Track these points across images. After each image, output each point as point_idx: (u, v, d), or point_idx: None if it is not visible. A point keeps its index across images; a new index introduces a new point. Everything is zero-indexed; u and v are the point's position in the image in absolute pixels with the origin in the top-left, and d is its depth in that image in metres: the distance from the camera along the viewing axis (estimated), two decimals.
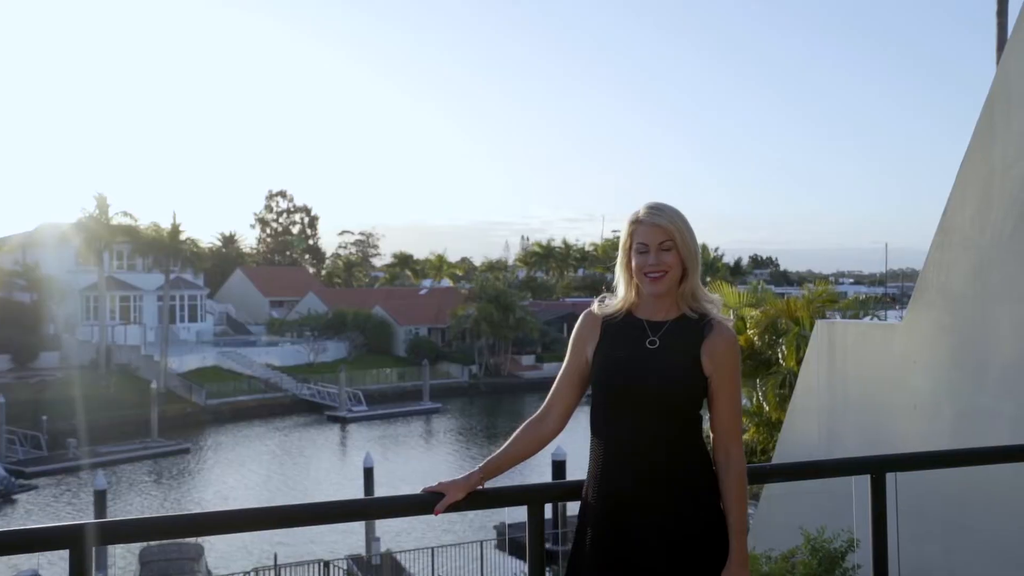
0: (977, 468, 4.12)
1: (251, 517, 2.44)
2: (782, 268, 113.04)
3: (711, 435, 2.54)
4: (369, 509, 2.58)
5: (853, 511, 4.89)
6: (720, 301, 2.61)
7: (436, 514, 2.51)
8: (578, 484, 2.61)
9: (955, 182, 5.91)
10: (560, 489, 2.68)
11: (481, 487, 2.56)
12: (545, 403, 2.66)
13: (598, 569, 2.48)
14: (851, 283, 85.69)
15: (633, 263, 2.52)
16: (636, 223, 2.53)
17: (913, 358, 6.18)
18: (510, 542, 21.97)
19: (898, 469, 3.08)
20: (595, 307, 2.63)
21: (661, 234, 2.48)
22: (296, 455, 38.60)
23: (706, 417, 2.57)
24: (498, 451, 2.62)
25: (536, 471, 21.78)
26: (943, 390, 5.93)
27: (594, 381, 2.54)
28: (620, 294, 2.59)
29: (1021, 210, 5.41)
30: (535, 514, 2.66)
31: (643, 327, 2.53)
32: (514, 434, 2.64)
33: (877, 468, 3.08)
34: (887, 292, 66.92)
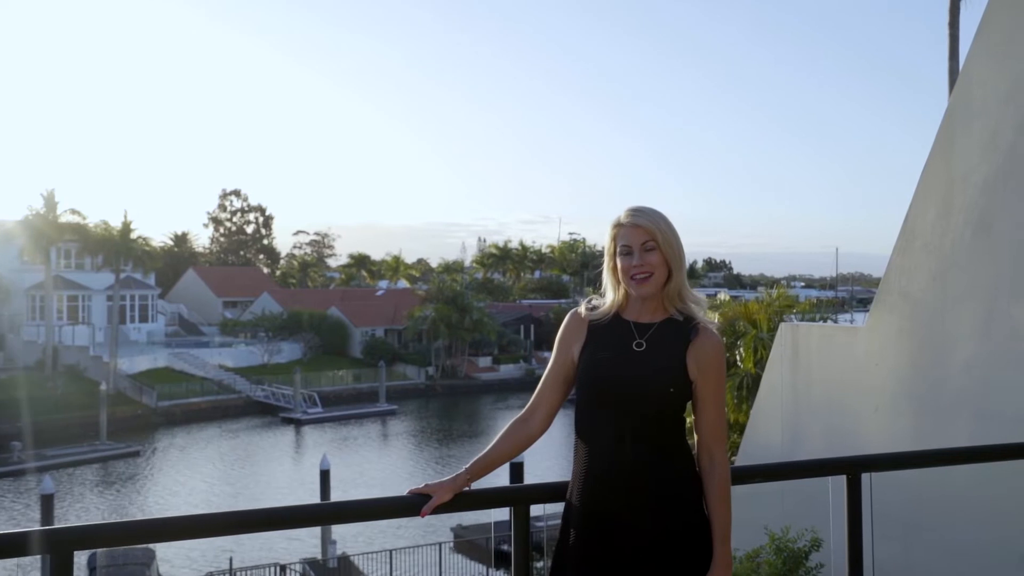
0: (934, 468, 4.22)
1: (233, 520, 2.40)
2: (735, 272, 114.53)
3: (695, 438, 2.56)
4: (355, 511, 2.55)
5: (828, 510, 4.96)
6: (705, 301, 2.63)
7: (423, 516, 2.50)
8: (563, 485, 2.61)
9: (916, 189, 6.04)
10: (546, 490, 2.67)
11: (468, 488, 2.55)
12: (530, 403, 2.65)
13: (582, 571, 2.48)
14: (802, 287, 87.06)
15: (618, 266, 2.52)
16: (618, 226, 2.55)
17: (875, 360, 6.29)
18: (467, 544, 21.95)
19: (874, 469, 3.13)
20: (582, 308, 2.63)
21: (643, 234, 2.49)
22: (250, 457, 38.10)
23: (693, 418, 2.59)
24: (484, 452, 2.61)
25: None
26: (904, 392, 6.05)
27: (579, 382, 2.54)
28: (608, 298, 2.60)
29: (980, 216, 5.55)
30: (520, 515, 2.66)
31: (630, 329, 2.53)
32: (499, 434, 2.64)
33: (853, 468, 3.13)
34: (837, 295, 68.14)
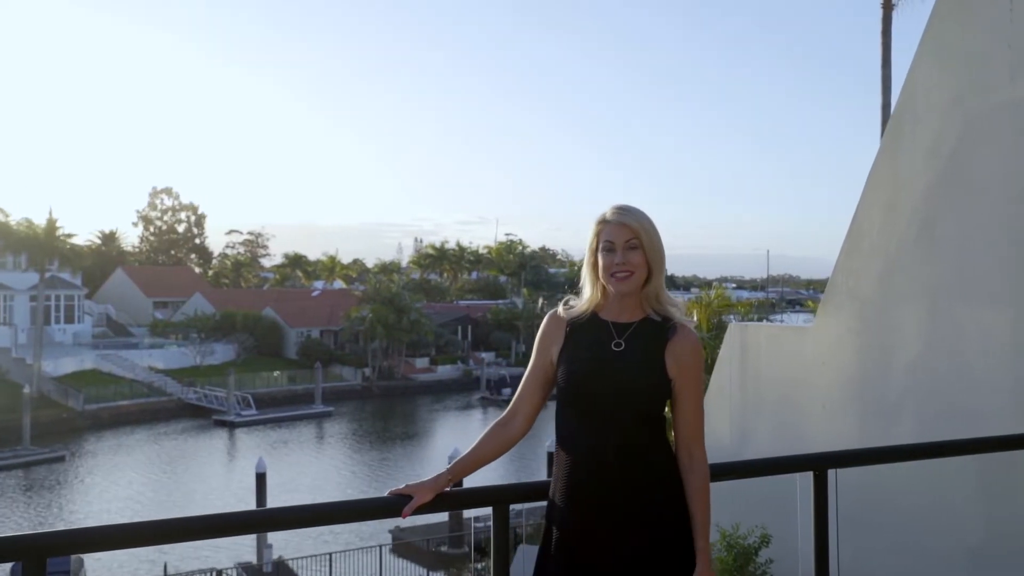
0: (879, 465, 4.33)
1: (209, 524, 2.32)
2: (670, 273, 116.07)
3: (674, 437, 2.58)
4: (332, 514, 2.49)
5: (776, 507, 5.06)
6: (684, 305, 2.64)
7: (404, 516, 2.47)
8: (544, 484, 2.61)
9: (863, 192, 6.19)
10: (526, 489, 2.66)
11: (448, 489, 2.52)
12: (511, 405, 2.64)
13: (565, 570, 2.47)
14: (734, 288, 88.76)
15: (600, 262, 2.52)
16: (603, 223, 2.54)
17: (822, 359, 6.43)
18: (405, 546, 21.81)
19: (840, 466, 3.19)
20: (560, 309, 2.62)
21: (627, 232, 2.50)
22: (181, 461, 37.26)
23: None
24: (465, 453, 2.59)
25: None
26: (850, 390, 6.20)
27: (559, 383, 2.54)
28: (586, 295, 2.59)
29: (925, 218, 5.71)
30: (500, 514, 2.65)
31: (608, 329, 2.53)
32: (480, 436, 2.62)
33: (820, 465, 3.19)
34: (768, 296, 69.62)
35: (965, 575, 5.12)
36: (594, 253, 2.55)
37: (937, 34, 5.74)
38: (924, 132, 5.77)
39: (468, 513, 20.65)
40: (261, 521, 2.41)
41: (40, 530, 2.02)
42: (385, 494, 2.49)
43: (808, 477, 3.17)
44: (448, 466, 2.56)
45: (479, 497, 2.70)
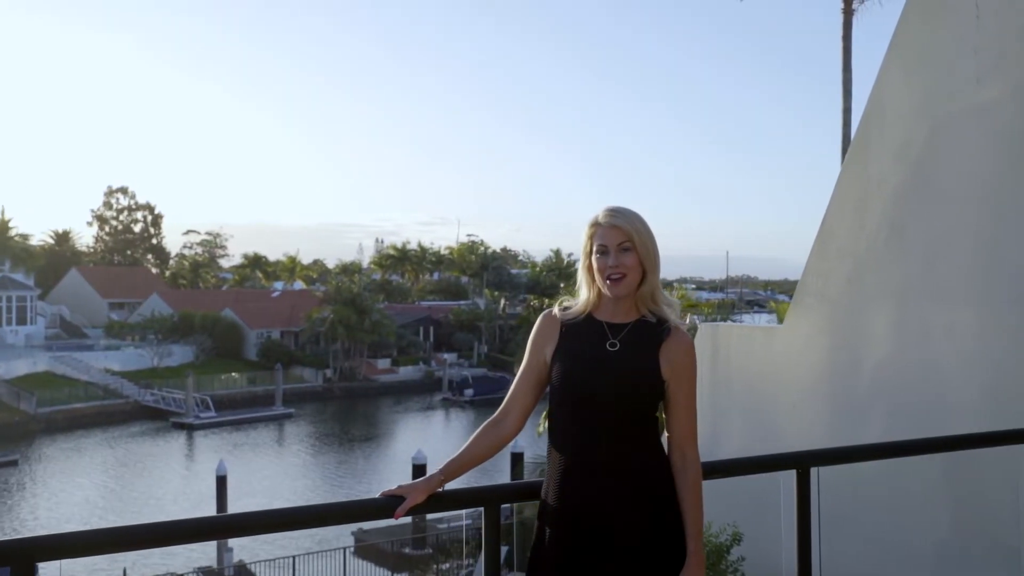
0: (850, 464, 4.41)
1: (203, 526, 2.29)
2: None
3: (667, 438, 2.59)
4: (325, 515, 2.47)
5: (747, 506, 5.12)
6: (679, 304, 2.66)
7: (396, 517, 2.46)
8: (535, 484, 2.61)
9: (832, 195, 6.29)
10: (517, 490, 2.66)
11: (441, 489, 2.52)
12: (503, 405, 2.64)
13: (558, 570, 2.48)
14: (694, 288, 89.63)
15: (594, 265, 2.53)
16: (596, 226, 2.55)
17: (792, 359, 6.52)
18: (368, 548, 21.68)
19: (824, 463, 3.24)
20: (555, 310, 2.63)
21: (620, 235, 2.51)
22: (139, 464, 36.66)
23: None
24: (457, 453, 2.58)
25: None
26: (820, 390, 6.29)
27: (553, 382, 2.54)
28: (583, 296, 2.61)
29: (893, 221, 5.82)
30: (492, 515, 2.64)
31: (603, 329, 2.55)
32: (472, 436, 2.61)
33: (803, 463, 3.23)
34: (728, 296, 70.37)
35: (932, 569, 5.22)
36: (588, 256, 2.56)
37: (905, 40, 5.84)
38: (892, 136, 5.87)
39: (431, 517, 20.58)
40: (253, 524, 2.38)
41: (29, 534, 1.97)
42: (377, 495, 2.48)
43: (783, 476, 3.21)
44: (440, 467, 2.55)
45: (471, 497, 2.69)
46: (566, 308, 2.62)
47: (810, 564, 3.19)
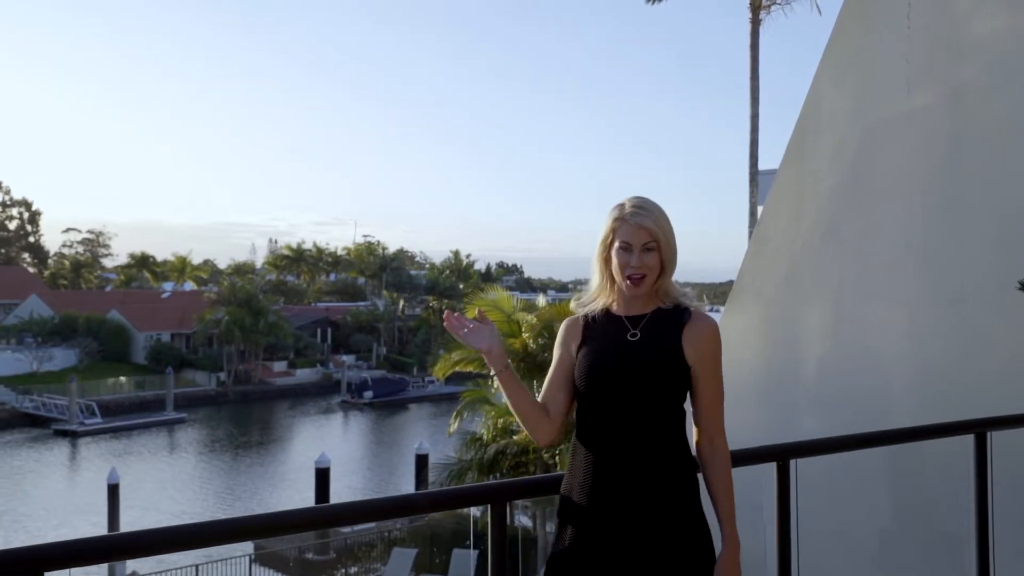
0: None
1: (223, 529, 2.15)
2: (526, 275, 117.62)
3: (695, 426, 2.58)
4: (353, 513, 2.36)
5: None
6: (693, 294, 2.65)
7: (487, 350, 2.54)
8: (543, 480, 2.59)
9: (769, 196, 6.45)
10: (523, 486, 2.61)
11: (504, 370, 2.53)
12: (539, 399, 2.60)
13: (581, 565, 2.43)
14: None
15: (614, 260, 2.50)
16: (620, 219, 2.50)
17: (727, 359, 6.65)
18: (270, 555, 21.15)
19: (801, 456, 3.31)
20: (573, 306, 2.63)
21: (646, 235, 2.47)
22: (18, 474, 34.71)
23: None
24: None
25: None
26: (756, 388, 6.43)
27: (577, 377, 2.52)
28: (594, 284, 2.58)
29: (828, 221, 6.01)
30: (498, 512, 2.59)
31: (622, 322, 2.54)
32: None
33: (782, 455, 3.29)
34: None
35: (874, 557, 5.41)
36: (607, 247, 2.52)
37: (838, 47, 6.05)
38: (827, 140, 6.07)
39: (345, 529, 20.22)
40: (281, 524, 2.25)
41: (36, 542, 1.83)
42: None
43: (750, 470, 3.25)
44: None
45: (478, 494, 2.63)
46: (580, 300, 2.62)
47: (789, 554, 3.24)
